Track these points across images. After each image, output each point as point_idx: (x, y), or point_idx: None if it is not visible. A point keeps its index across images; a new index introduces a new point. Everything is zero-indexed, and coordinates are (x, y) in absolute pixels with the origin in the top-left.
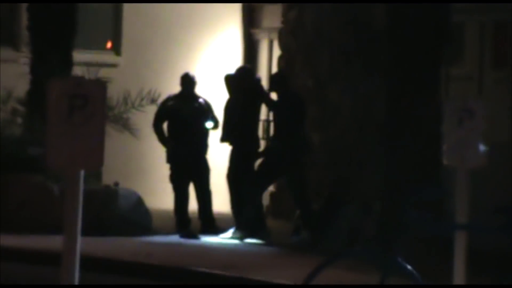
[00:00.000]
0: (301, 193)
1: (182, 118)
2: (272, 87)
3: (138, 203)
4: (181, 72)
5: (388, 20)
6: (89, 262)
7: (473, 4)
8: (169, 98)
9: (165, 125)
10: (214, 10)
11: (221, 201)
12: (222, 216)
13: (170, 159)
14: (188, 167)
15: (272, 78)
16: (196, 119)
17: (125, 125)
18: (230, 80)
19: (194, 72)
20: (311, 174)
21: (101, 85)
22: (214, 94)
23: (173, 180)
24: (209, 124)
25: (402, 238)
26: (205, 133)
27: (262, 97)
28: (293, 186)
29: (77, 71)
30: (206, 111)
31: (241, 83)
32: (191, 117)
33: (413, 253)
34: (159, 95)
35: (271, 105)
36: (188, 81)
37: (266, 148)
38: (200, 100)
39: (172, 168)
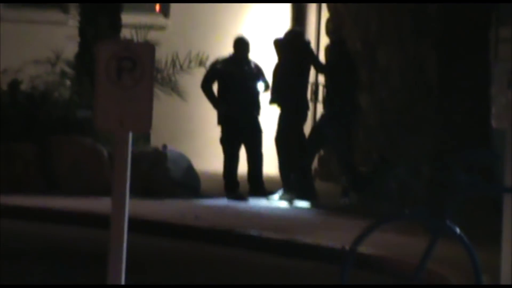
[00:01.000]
0: (347, 156)
1: (234, 80)
2: (330, 52)
3: (187, 166)
4: (229, 35)
5: None
6: (137, 224)
7: None
8: (220, 61)
9: (214, 88)
10: None
11: (269, 163)
12: (270, 179)
13: (221, 121)
14: (240, 129)
15: (331, 43)
16: (248, 82)
17: (174, 88)
18: (280, 44)
19: (243, 34)
20: (360, 136)
21: (149, 47)
22: (263, 57)
23: (224, 142)
24: (260, 86)
25: (452, 200)
26: (256, 95)
27: (312, 60)
28: (339, 149)
29: (126, 33)
30: (257, 74)
31: (290, 46)
32: (243, 79)
33: (463, 215)
34: (207, 58)
35: (322, 68)
36: (242, 46)
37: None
38: (251, 63)
39: (223, 130)
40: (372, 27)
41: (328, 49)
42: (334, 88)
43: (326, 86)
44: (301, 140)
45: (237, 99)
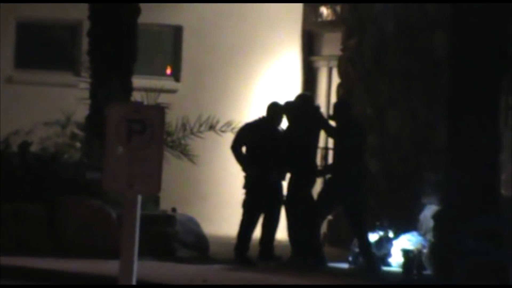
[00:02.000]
0: (358, 221)
1: (264, 144)
2: (334, 115)
3: (196, 229)
4: (240, 98)
5: (449, 48)
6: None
7: None
8: (251, 124)
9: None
10: (274, 36)
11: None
12: (278, 243)
13: (248, 184)
14: (265, 194)
15: (335, 105)
16: (278, 147)
17: (183, 151)
18: (290, 108)
19: (253, 98)
20: (369, 201)
21: (159, 110)
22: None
23: (246, 206)
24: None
25: (461, 265)
26: (285, 160)
27: (322, 124)
28: (350, 213)
29: (137, 96)
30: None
31: (300, 111)
32: (273, 143)
33: (472, 280)
34: (217, 121)
35: (331, 132)
36: (278, 111)
37: (328, 176)
38: (279, 129)
39: (248, 194)
40: (383, 92)
41: (334, 111)
42: (340, 152)
43: (334, 149)
44: (310, 205)
45: (266, 163)
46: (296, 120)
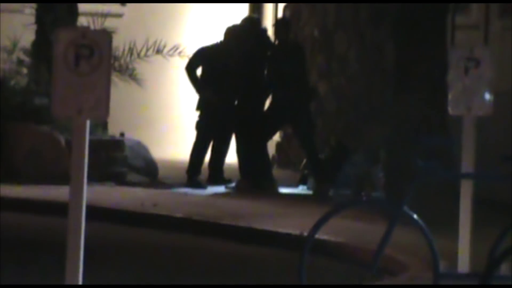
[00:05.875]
0: (308, 142)
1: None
2: (274, 34)
3: (144, 153)
4: (186, 22)
5: None
6: (96, 212)
7: None
8: (207, 47)
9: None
10: None
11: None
12: (228, 166)
13: (201, 106)
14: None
15: (276, 25)
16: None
17: (131, 75)
18: (236, 31)
19: (200, 21)
20: (318, 122)
21: (107, 35)
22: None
23: (200, 128)
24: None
25: (410, 186)
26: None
27: (268, 47)
28: (300, 135)
29: (82, 21)
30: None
31: (249, 34)
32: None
33: (420, 201)
34: (164, 45)
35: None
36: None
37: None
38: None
39: (202, 116)
40: (330, 14)
41: (274, 31)
42: (282, 73)
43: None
44: (258, 126)
45: (221, 85)
46: (244, 43)
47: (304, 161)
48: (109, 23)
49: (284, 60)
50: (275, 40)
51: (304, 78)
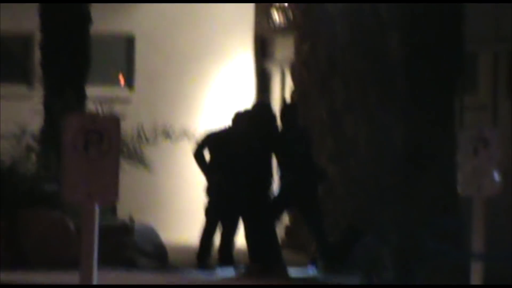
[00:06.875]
0: (318, 225)
1: (227, 153)
2: (281, 119)
3: (153, 237)
4: (194, 104)
5: (403, 51)
6: None
7: (487, 33)
8: (216, 133)
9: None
10: (226, 42)
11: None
12: (237, 249)
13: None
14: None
15: (281, 109)
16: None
17: (140, 160)
18: (245, 117)
19: (208, 104)
20: (328, 205)
21: (115, 120)
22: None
23: (209, 212)
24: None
25: (421, 268)
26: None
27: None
28: (309, 218)
29: (90, 106)
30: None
31: (259, 119)
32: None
33: (431, 282)
34: (173, 131)
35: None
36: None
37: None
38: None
39: (211, 201)
40: (338, 96)
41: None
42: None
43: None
44: (267, 210)
45: (229, 170)
46: (254, 129)
47: (314, 244)
48: (116, 108)
49: (291, 144)
50: (282, 126)
51: (311, 161)
